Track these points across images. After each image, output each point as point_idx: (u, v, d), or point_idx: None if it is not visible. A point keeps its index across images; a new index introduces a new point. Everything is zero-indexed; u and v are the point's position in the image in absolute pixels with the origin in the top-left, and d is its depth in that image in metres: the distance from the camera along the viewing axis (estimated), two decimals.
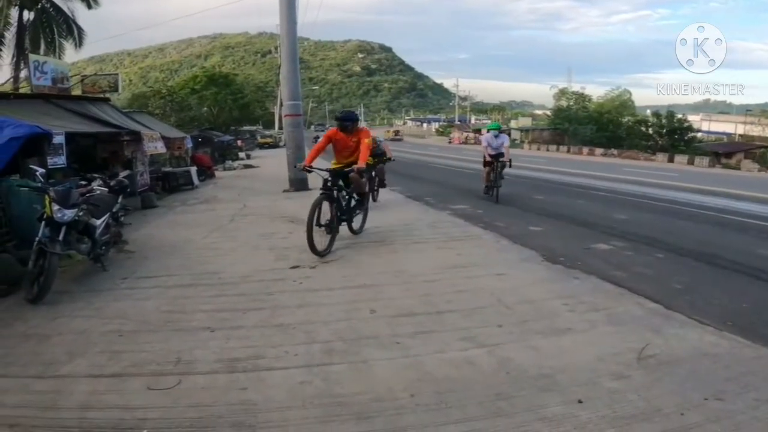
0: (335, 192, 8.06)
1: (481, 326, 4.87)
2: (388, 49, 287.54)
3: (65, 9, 30.06)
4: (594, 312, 5.22)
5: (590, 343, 4.44)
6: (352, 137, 8.35)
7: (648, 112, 55.23)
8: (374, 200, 12.12)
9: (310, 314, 5.29)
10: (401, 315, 5.18)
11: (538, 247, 8.08)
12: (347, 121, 8.40)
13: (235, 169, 25.95)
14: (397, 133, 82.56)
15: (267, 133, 61.60)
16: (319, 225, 7.60)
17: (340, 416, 3.37)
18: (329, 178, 8.02)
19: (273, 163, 25.40)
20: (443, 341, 4.54)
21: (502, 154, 14.05)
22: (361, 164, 8.05)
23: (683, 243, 8.88)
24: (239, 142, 40.97)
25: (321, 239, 7.58)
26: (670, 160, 38.57)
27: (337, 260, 7.37)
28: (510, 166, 14.19)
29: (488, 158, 14.15)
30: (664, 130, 49.39)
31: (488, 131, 15.45)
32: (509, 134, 61.36)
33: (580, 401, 3.42)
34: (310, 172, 8.36)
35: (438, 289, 5.96)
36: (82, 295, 4.58)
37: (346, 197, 8.44)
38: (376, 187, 12.75)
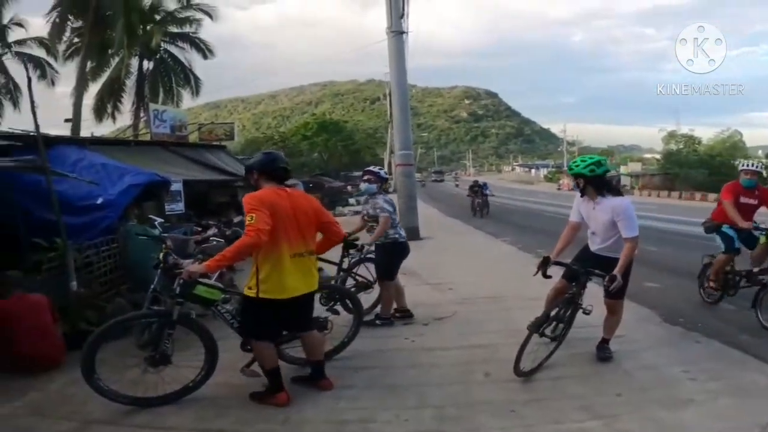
0: None
1: (598, 394, 4.83)
2: (494, 95, 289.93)
3: (182, 59, 32.86)
4: (715, 381, 5.04)
5: (712, 416, 4.31)
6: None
7: (760, 152, 51.92)
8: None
9: (423, 375, 5.37)
10: (515, 380, 5.15)
11: (656, 305, 7.81)
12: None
13: (345, 215, 26.53)
14: (438, 173, 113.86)
15: None
16: None
17: None
18: None
19: None
20: (559, 410, 4.53)
21: None
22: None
23: None
24: (349, 188, 41.96)
25: None
26: None
27: (451, 317, 7.47)
28: None
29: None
30: None
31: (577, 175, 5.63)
32: (619, 181, 58.11)
33: None
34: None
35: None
36: (194, 342, 4.86)
37: None
38: None
